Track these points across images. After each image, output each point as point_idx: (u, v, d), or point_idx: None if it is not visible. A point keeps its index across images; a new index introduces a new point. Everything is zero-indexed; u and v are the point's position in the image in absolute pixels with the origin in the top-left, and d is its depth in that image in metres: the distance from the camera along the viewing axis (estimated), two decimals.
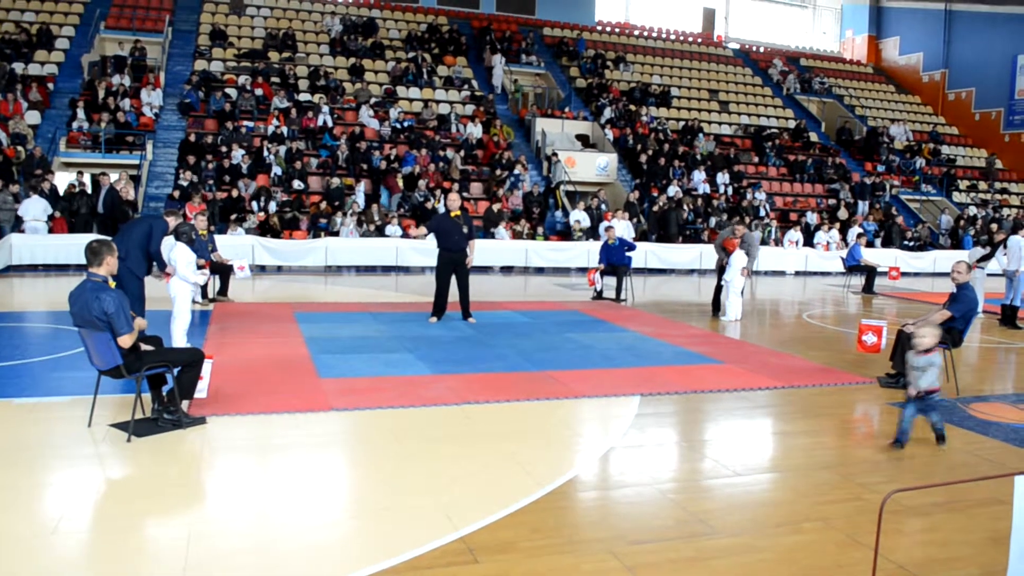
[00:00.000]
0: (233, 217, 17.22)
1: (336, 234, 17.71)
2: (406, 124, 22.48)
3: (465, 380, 7.41)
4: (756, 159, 26.47)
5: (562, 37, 30.25)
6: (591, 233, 19.73)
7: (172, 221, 8.33)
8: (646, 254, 19.25)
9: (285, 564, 3.74)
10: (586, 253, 18.75)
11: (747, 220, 21.09)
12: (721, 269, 12.21)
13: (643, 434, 6.02)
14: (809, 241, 22.09)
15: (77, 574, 3.66)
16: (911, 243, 23.57)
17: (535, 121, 24.05)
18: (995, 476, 4.34)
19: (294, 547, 3.92)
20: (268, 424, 5.87)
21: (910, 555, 4.06)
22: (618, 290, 13.71)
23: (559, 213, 20.89)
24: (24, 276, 14.55)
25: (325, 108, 21.76)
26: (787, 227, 22.39)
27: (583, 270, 18.19)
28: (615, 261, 13.80)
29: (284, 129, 20.70)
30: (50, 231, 15.89)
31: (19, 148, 17.88)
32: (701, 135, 25.99)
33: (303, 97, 22.57)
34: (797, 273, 21.02)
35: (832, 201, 25.09)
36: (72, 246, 14.80)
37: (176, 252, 7.94)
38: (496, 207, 19.64)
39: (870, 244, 21.86)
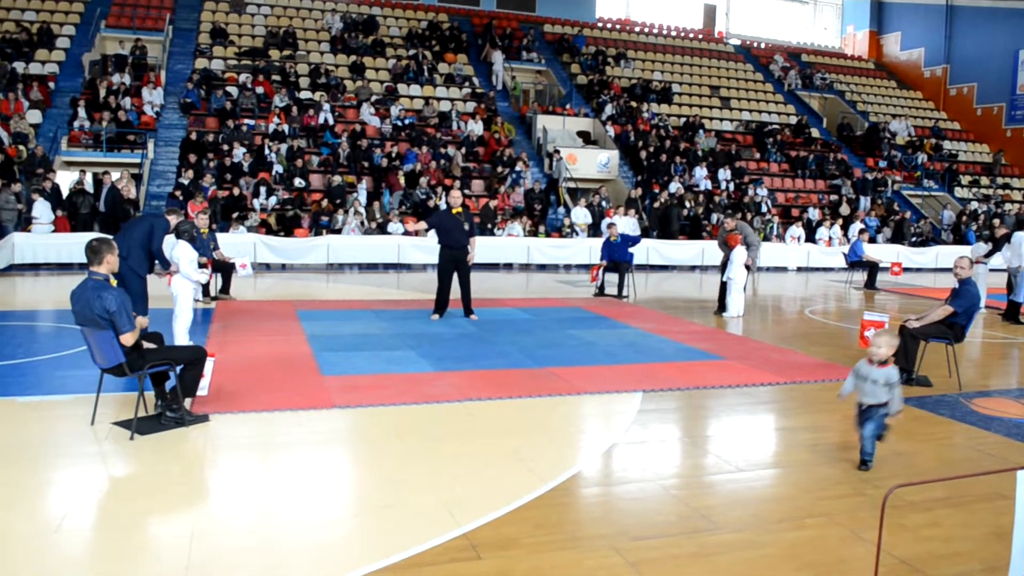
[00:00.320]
0: (235, 215, 17.23)
1: (338, 232, 17.71)
2: (407, 122, 22.47)
3: (467, 377, 7.41)
4: (757, 155, 26.44)
5: (563, 34, 30.21)
6: (593, 230, 19.73)
7: (173, 219, 8.35)
8: (648, 250, 19.24)
9: (288, 562, 3.75)
10: (588, 250, 18.75)
11: (737, 214, 21.08)
12: (725, 266, 12.19)
13: (645, 430, 6.02)
14: (811, 237, 22.06)
15: (80, 572, 3.67)
16: (913, 239, 23.54)
17: (536, 118, 24.03)
18: (997, 471, 4.34)
19: (297, 545, 3.93)
20: (270, 422, 5.88)
21: (913, 550, 4.06)
22: (620, 286, 13.71)
23: (561, 210, 20.88)
24: (26, 275, 14.57)
25: (326, 106, 21.76)
26: (789, 223, 22.37)
27: (585, 267, 18.20)
28: (617, 258, 13.81)
29: (285, 127, 20.69)
30: (53, 230, 15.91)
31: (20, 147, 17.89)
32: (702, 131, 25.97)
33: (304, 95, 22.56)
34: (799, 269, 21.00)
35: (834, 197, 25.06)
36: (74, 245, 14.81)
37: (178, 250, 7.94)
38: (492, 204, 19.62)
39: (872, 240, 21.86)
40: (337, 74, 24.10)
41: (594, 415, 6.51)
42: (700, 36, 34.73)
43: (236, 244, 15.43)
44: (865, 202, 24.89)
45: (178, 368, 5.72)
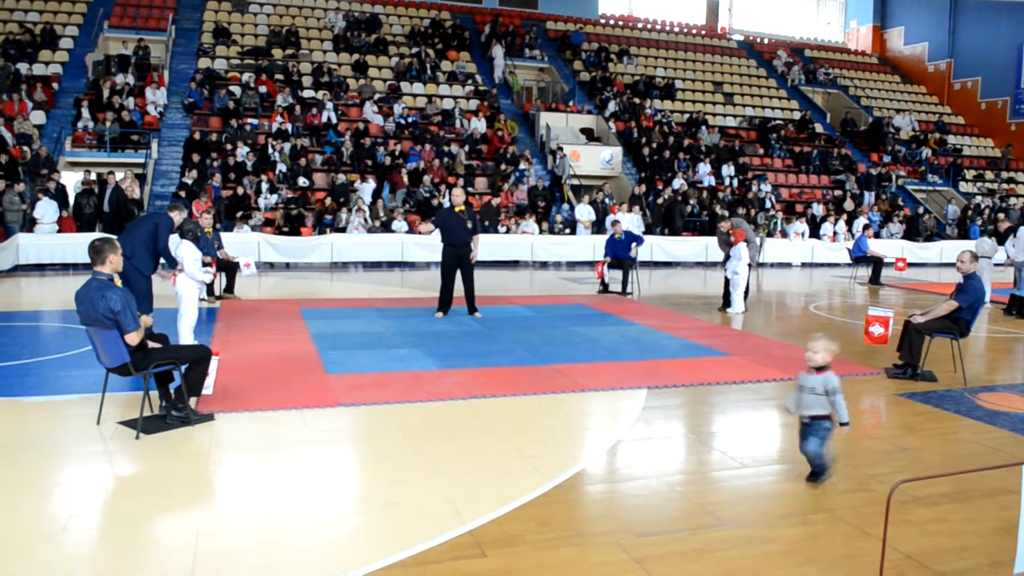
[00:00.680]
0: (239, 215, 17.25)
1: (342, 230, 17.72)
2: (410, 120, 22.48)
3: (471, 375, 7.42)
4: (761, 151, 26.40)
5: (565, 31, 30.18)
6: (597, 227, 19.72)
7: (176, 216, 8.27)
8: (652, 247, 19.23)
9: (294, 560, 3.76)
10: (592, 247, 18.74)
11: (740, 210, 21.06)
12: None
13: (650, 427, 6.02)
14: (815, 233, 22.02)
15: (87, 571, 3.68)
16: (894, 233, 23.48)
17: (539, 115, 24.02)
18: (1003, 465, 4.34)
19: (302, 543, 3.94)
20: (275, 420, 5.89)
21: (918, 545, 4.06)
22: (624, 283, 13.70)
23: (565, 207, 20.88)
24: (31, 275, 14.61)
25: (329, 105, 21.77)
26: (793, 219, 22.33)
27: (589, 264, 18.19)
28: (621, 255, 13.80)
29: (288, 126, 20.71)
30: (58, 231, 15.95)
31: (25, 148, 17.92)
32: (705, 127, 25.94)
33: (307, 94, 22.58)
34: (803, 265, 20.97)
35: (838, 192, 25.02)
36: (79, 245, 14.84)
37: (182, 250, 7.95)
38: (496, 202, 19.62)
39: (875, 235, 21.82)
40: (340, 73, 24.12)
41: (599, 412, 6.51)
42: (703, 32, 34.67)
43: (240, 243, 15.45)
44: (869, 197, 24.84)
45: (183, 367, 5.73)
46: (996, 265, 13.87)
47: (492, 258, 17.86)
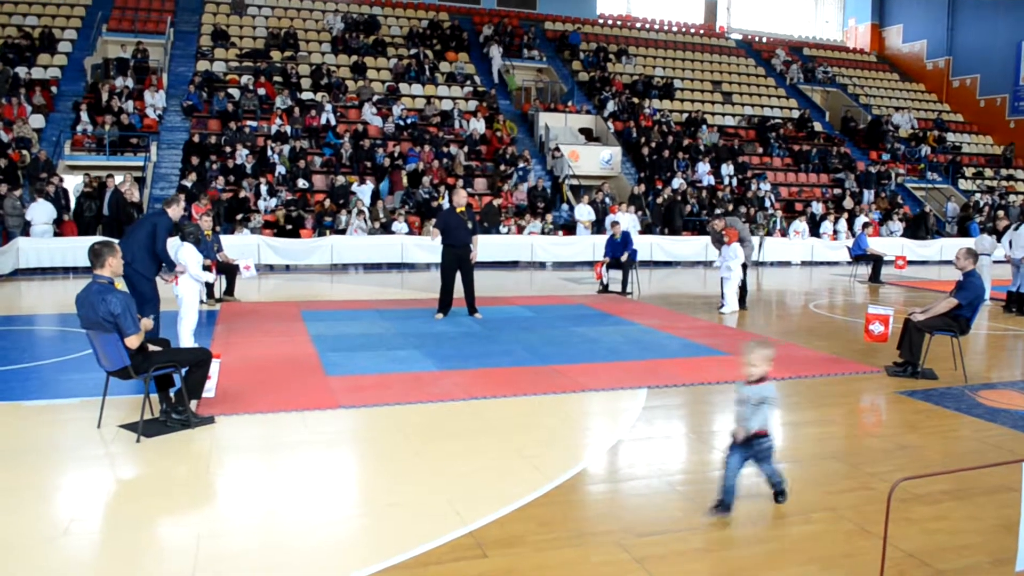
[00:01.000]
0: (239, 217, 17.26)
1: (342, 232, 17.72)
2: (409, 121, 22.48)
3: (472, 376, 7.42)
4: (760, 150, 26.40)
5: (564, 31, 30.19)
6: (596, 227, 19.73)
7: (174, 210, 8.13)
8: (651, 247, 19.24)
9: (295, 561, 3.76)
10: (592, 247, 18.74)
11: (740, 208, 21.06)
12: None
13: (651, 427, 6.02)
14: (815, 231, 22.02)
15: (88, 574, 3.69)
16: (903, 231, 23.48)
17: (538, 116, 24.02)
18: (1003, 463, 4.34)
19: (303, 545, 3.94)
20: (276, 423, 5.89)
21: (919, 543, 4.06)
22: (624, 283, 13.71)
23: (565, 208, 20.88)
24: (32, 279, 14.62)
25: (328, 106, 21.77)
26: (792, 217, 22.33)
27: (589, 263, 18.19)
28: (620, 255, 13.80)
29: (287, 128, 20.72)
30: (58, 234, 15.95)
31: (24, 152, 17.92)
32: (705, 127, 25.94)
33: (306, 96, 22.59)
34: (803, 263, 20.97)
35: (837, 191, 25.02)
36: (79, 249, 14.84)
37: (184, 252, 7.95)
38: (497, 203, 19.63)
39: (879, 224, 21.89)
40: (339, 74, 24.12)
41: (599, 412, 6.51)
42: (701, 31, 34.69)
43: (240, 246, 15.45)
44: (869, 195, 24.85)
45: (183, 370, 5.73)
46: (996, 262, 13.87)
47: (493, 259, 17.87)
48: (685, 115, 26.66)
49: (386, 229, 18.21)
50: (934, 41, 34.65)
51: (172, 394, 5.82)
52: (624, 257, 13.74)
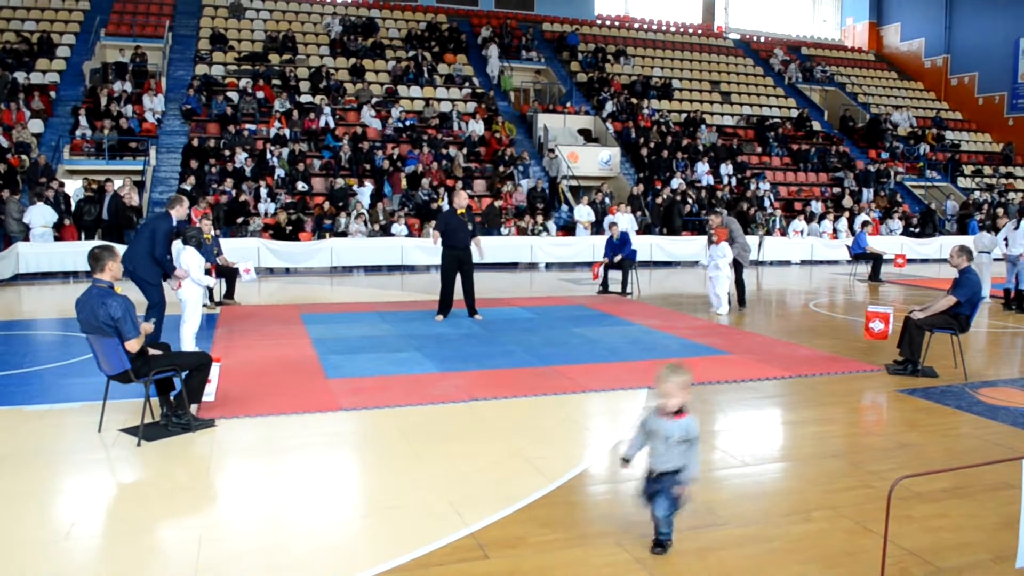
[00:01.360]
0: (239, 221, 17.26)
1: (343, 235, 17.73)
2: (408, 123, 22.49)
3: (472, 377, 7.42)
4: (759, 149, 26.41)
5: (562, 32, 30.20)
6: (595, 227, 19.75)
7: (177, 211, 8.12)
8: (651, 247, 19.24)
9: (296, 564, 3.76)
10: (591, 248, 18.75)
11: (732, 210, 21.04)
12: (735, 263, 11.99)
13: None
14: (814, 230, 22.02)
15: None
16: (916, 229, 23.50)
17: (537, 117, 24.03)
18: (1003, 460, 4.33)
19: (305, 547, 3.94)
20: (277, 425, 5.90)
21: (920, 541, 4.06)
22: (623, 284, 13.71)
23: (564, 208, 20.89)
24: (32, 284, 14.62)
25: (327, 109, 21.79)
26: (792, 216, 22.34)
27: (589, 264, 18.20)
28: (619, 255, 13.80)
29: (286, 131, 20.73)
30: (59, 239, 15.95)
31: (23, 157, 17.94)
32: (703, 127, 25.95)
33: (304, 99, 22.61)
34: (803, 262, 20.98)
35: (836, 189, 25.03)
36: (79, 254, 14.83)
37: (185, 256, 7.96)
38: (498, 204, 19.64)
39: (879, 222, 21.91)
40: (337, 77, 24.14)
41: (600, 413, 6.51)
42: (699, 31, 34.71)
43: (240, 249, 15.45)
44: (868, 194, 24.86)
45: (184, 374, 5.73)
46: (996, 260, 13.88)
47: (493, 260, 17.87)
48: (684, 115, 26.68)
49: (385, 231, 18.22)
50: (932, 39, 34.67)
51: (173, 398, 5.82)
52: (618, 258, 13.72)
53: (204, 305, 10.19)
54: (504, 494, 4.60)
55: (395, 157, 20.59)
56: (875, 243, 18.38)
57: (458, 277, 10.60)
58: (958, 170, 28.61)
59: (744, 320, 11.24)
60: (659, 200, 21.09)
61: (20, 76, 20.78)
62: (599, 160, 22.87)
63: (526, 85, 27.33)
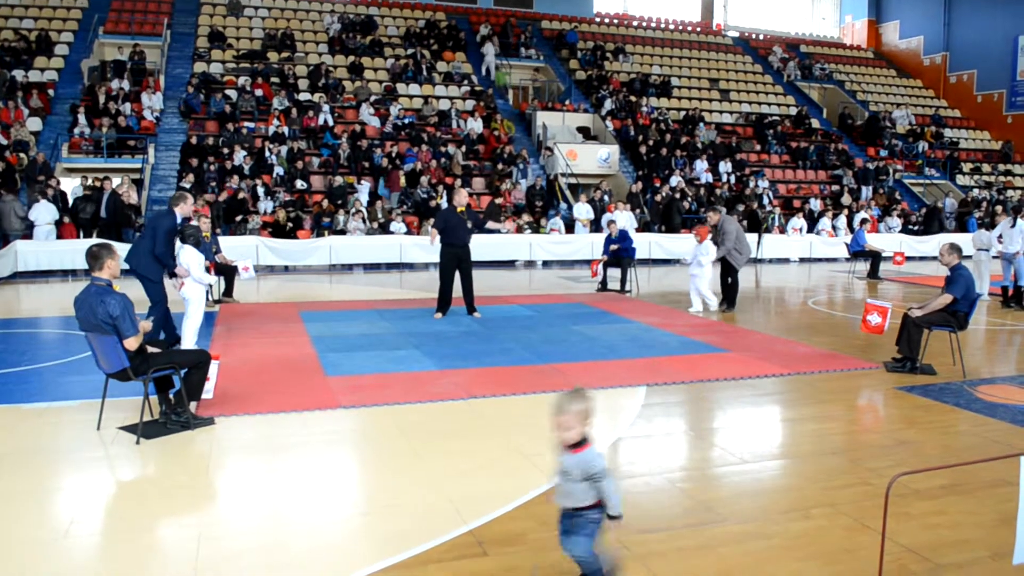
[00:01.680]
0: (238, 219, 17.25)
1: (342, 233, 17.72)
2: (407, 121, 22.48)
3: (471, 375, 7.42)
4: (758, 147, 26.41)
5: (561, 30, 30.19)
6: (594, 225, 19.75)
7: (182, 209, 8.10)
8: (650, 245, 19.23)
9: (295, 562, 3.76)
10: (590, 245, 18.75)
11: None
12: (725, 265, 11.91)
13: (650, 424, 6.03)
14: (813, 227, 22.03)
15: None
16: (915, 227, 23.51)
17: (536, 115, 24.03)
18: (1000, 457, 4.33)
19: (304, 545, 3.94)
20: (276, 423, 5.90)
21: (919, 538, 4.06)
22: (622, 281, 13.71)
23: (563, 206, 20.88)
24: (31, 282, 14.61)
25: (325, 107, 21.78)
26: (791, 214, 22.34)
27: (587, 262, 18.20)
28: (618, 253, 13.81)
29: (285, 129, 20.72)
30: (58, 237, 15.95)
31: (21, 155, 17.92)
32: (702, 124, 25.95)
33: (303, 97, 22.58)
34: (801, 260, 20.98)
35: (835, 187, 25.04)
36: (77, 252, 14.83)
37: (184, 255, 7.97)
38: (498, 202, 19.65)
39: (878, 220, 21.92)
40: (336, 75, 24.12)
41: (599, 410, 6.40)
42: (698, 29, 34.69)
43: (238, 247, 15.44)
44: (867, 192, 24.86)
45: (182, 372, 5.73)
46: (994, 257, 13.89)
47: (492, 258, 17.89)
48: (683, 113, 26.67)
49: (384, 229, 18.21)
50: (931, 37, 34.67)
51: (172, 396, 5.82)
52: (609, 252, 13.73)
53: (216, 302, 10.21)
54: (503, 491, 4.60)
55: (394, 155, 20.58)
56: (874, 241, 18.39)
57: (457, 275, 10.60)
58: (957, 168, 28.62)
59: (743, 318, 11.24)
60: (658, 198, 21.09)
61: (18, 74, 20.76)
62: (598, 158, 22.87)
63: (525, 83, 27.31)
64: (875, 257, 16.88)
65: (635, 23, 33.64)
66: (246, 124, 20.82)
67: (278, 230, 17.43)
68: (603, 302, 12.47)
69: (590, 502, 3.32)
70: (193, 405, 5.88)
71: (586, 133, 24.25)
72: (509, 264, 18.61)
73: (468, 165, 21.63)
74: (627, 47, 30.45)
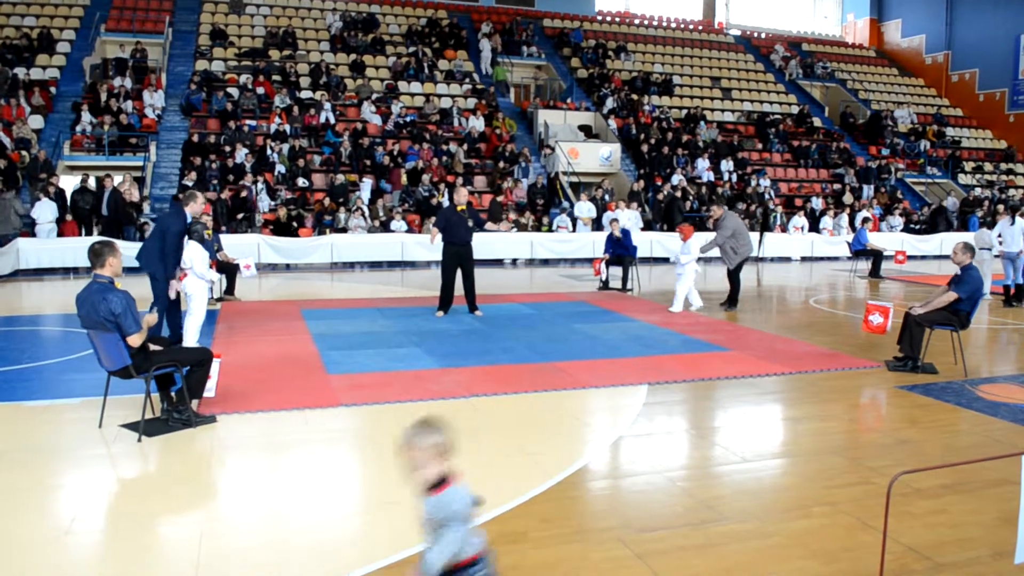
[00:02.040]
0: (240, 216, 17.26)
1: (343, 231, 17.72)
2: (408, 119, 22.48)
3: (473, 373, 7.43)
4: (760, 145, 26.40)
5: (562, 28, 30.17)
6: (596, 224, 19.74)
7: (192, 208, 8.06)
8: (651, 243, 19.23)
9: (296, 560, 3.77)
10: (591, 244, 18.74)
11: (736, 204, 21.05)
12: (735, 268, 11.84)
13: (651, 423, 6.03)
14: (815, 226, 22.02)
15: (91, 573, 3.69)
16: (918, 226, 23.49)
17: (537, 113, 24.01)
18: (1002, 456, 4.33)
19: (305, 543, 3.94)
20: (277, 421, 5.90)
21: (920, 537, 4.06)
22: (624, 280, 13.71)
23: (566, 204, 20.87)
24: (32, 280, 14.62)
25: (327, 105, 21.77)
26: (792, 213, 22.32)
27: (588, 260, 18.20)
28: (621, 252, 13.81)
29: (286, 127, 20.71)
30: (59, 234, 15.96)
31: (23, 153, 17.93)
32: (704, 123, 25.92)
33: (305, 95, 22.57)
34: (803, 259, 20.97)
35: (837, 186, 25.02)
36: (79, 250, 14.85)
37: (189, 251, 7.98)
38: (500, 200, 19.64)
39: (880, 217, 21.91)
40: (337, 73, 24.11)
41: (600, 409, 6.52)
42: (700, 27, 34.65)
43: (240, 245, 15.45)
44: (868, 190, 24.85)
45: (184, 370, 5.74)
46: (996, 256, 13.87)
47: (492, 256, 17.88)
48: (684, 111, 26.65)
49: (385, 227, 18.21)
50: (933, 35, 34.62)
51: (173, 393, 5.83)
52: (609, 254, 13.74)
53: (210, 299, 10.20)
54: (504, 489, 4.60)
55: (395, 153, 20.58)
56: (875, 239, 18.37)
57: (458, 273, 10.60)
58: (958, 167, 28.59)
59: (744, 317, 11.23)
60: (660, 196, 21.08)
61: (20, 72, 20.77)
62: (599, 156, 22.86)
63: (527, 81, 27.29)
64: (876, 256, 16.87)
65: (636, 21, 33.61)
66: (247, 122, 20.81)
67: (280, 228, 17.43)
68: (604, 300, 12.47)
69: (467, 556, 2.76)
70: (195, 403, 5.89)
71: (588, 131, 24.24)
72: (498, 263, 18.56)
73: (470, 163, 21.62)
74: (629, 45, 30.42)
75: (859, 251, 17.24)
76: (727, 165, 24.00)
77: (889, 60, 36.14)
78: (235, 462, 5.15)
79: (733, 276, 11.84)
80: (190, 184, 17.42)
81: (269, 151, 19.63)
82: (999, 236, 12.92)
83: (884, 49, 36.97)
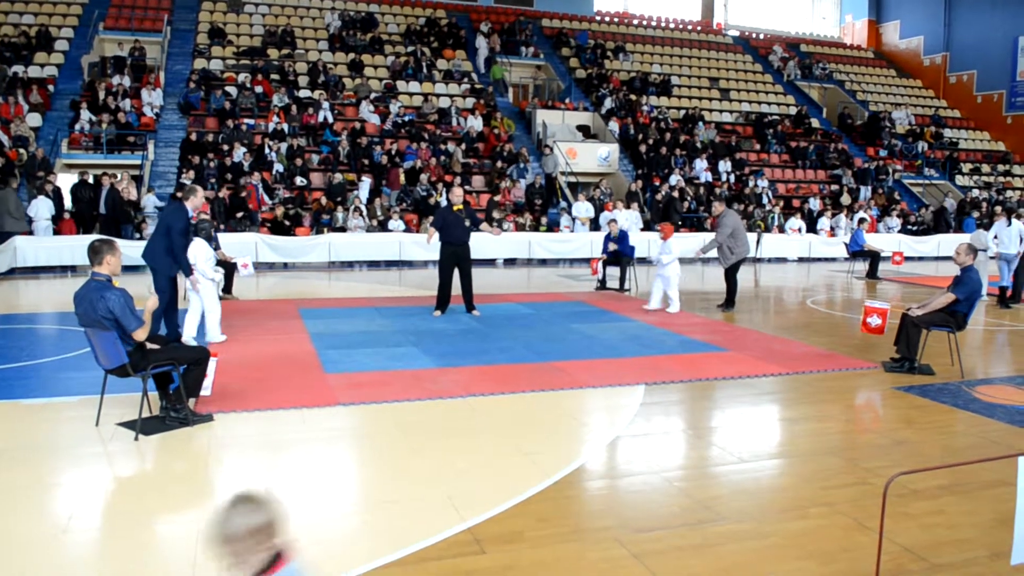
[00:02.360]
0: (239, 215, 17.24)
1: (341, 230, 17.72)
2: (406, 119, 22.47)
3: (470, 372, 7.43)
4: (758, 146, 26.42)
5: (561, 28, 30.17)
6: (594, 224, 19.75)
7: (192, 202, 8.11)
8: (649, 244, 19.21)
9: (294, 559, 3.76)
10: (589, 244, 18.75)
11: (737, 204, 21.04)
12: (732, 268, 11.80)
13: (649, 423, 6.04)
14: (812, 227, 22.04)
15: (88, 572, 3.69)
16: (914, 227, 23.52)
17: (535, 113, 24.01)
18: (999, 457, 4.34)
19: (303, 541, 3.94)
20: (275, 420, 5.90)
21: (916, 538, 4.07)
22: (622, 280, 13.72)
23: (563, 204, 20.88)
24: (29, 278, 14.60)
25: (325, 104, 21.76)
26: (790, 213, 22.34)
27: (586, 260, 18.20)
28: (618, 252, 13.81)
29: (285, 126, 20.70)
30: (57, 233, 15.94)
31: (21, 151, 17.90)
32: (702, 123, 25.94)
33: (303, 94, 22.56)
34: (800, 260, 20.99)
35: (835, 187, 25.05)
36: (76, 248, 14.85)
37: (193, 247, 7.99)
38: (497, 200, 19.64)
39: (877, 218, 21.94)
40: (336, 72, 24.10)
41: (597, 408, 6.52)
42: (698, 28, 34.68)
43: (238, 244, 15.44)
44: (866, 191, 24.87)
45: (181, 368, 5.73)
46: (991, 258, 13.90)
47: (491, 255, 17.87)
48: (682, 112, 26.67)
49: (383, 227, 18.21)
50: (931, 37, 34.67)
51: (171, 392, 5.82)
52: (608, 251, 13.75)
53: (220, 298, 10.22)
54: (501, 489, 4.61)
55: (393, 152, 20.57)
56: (873, 241, 18.40)
57: (456, 273, 10.60)
58: (956, 168, 28.63)
59: (741, 317, 11.24)
60: (658, 197, 21.09)
61: (18, 69, 20.74)
62: (598, 156, 22.86)
63: (525, 81, 27.29)
64: (874, 257, 16.89)
65: (635, 21, 33.63)
66: (246, 121, 20.80)
67: (277, 227, 17.42)
68: (602, 301, 12.48)
69: None
70: (192, 401, 5.88)
71: (586, 132, 24.25)
72: (509, 262, 18.59)
73: (468, 163, 21.62)
74: (627, 46, 30.44)
75: (856, 252, 17.26)
76: (725, 166, 24.02)
77: (887, 61, 36.18)
78: (232, 461, 5.15)
79: (730, 277, 11.84)
80: (188, 183, 17.40)
81: (267, 150, 19.62)
82: (995, 237, 12.94)
83: (882, 50, 37.02)
